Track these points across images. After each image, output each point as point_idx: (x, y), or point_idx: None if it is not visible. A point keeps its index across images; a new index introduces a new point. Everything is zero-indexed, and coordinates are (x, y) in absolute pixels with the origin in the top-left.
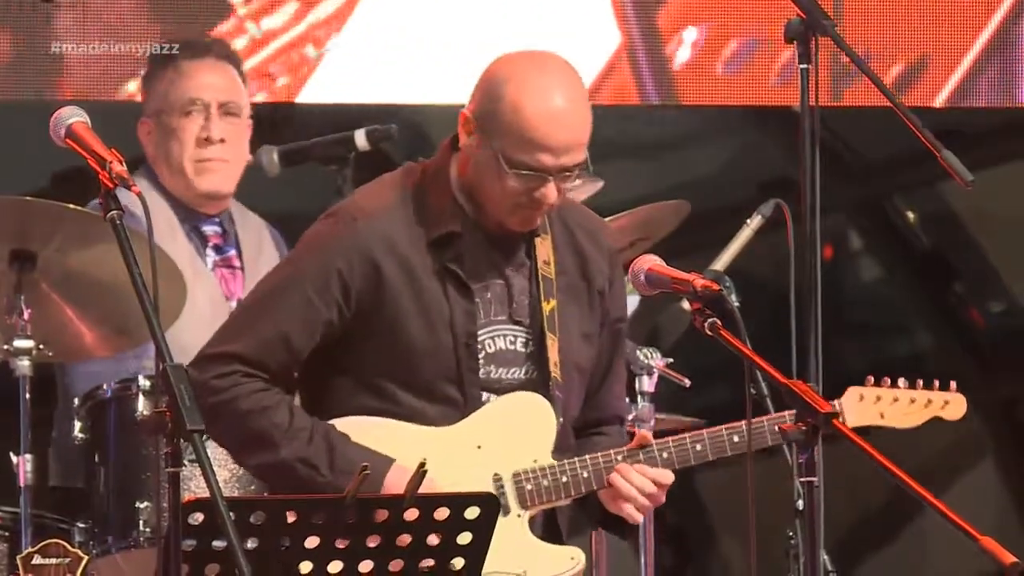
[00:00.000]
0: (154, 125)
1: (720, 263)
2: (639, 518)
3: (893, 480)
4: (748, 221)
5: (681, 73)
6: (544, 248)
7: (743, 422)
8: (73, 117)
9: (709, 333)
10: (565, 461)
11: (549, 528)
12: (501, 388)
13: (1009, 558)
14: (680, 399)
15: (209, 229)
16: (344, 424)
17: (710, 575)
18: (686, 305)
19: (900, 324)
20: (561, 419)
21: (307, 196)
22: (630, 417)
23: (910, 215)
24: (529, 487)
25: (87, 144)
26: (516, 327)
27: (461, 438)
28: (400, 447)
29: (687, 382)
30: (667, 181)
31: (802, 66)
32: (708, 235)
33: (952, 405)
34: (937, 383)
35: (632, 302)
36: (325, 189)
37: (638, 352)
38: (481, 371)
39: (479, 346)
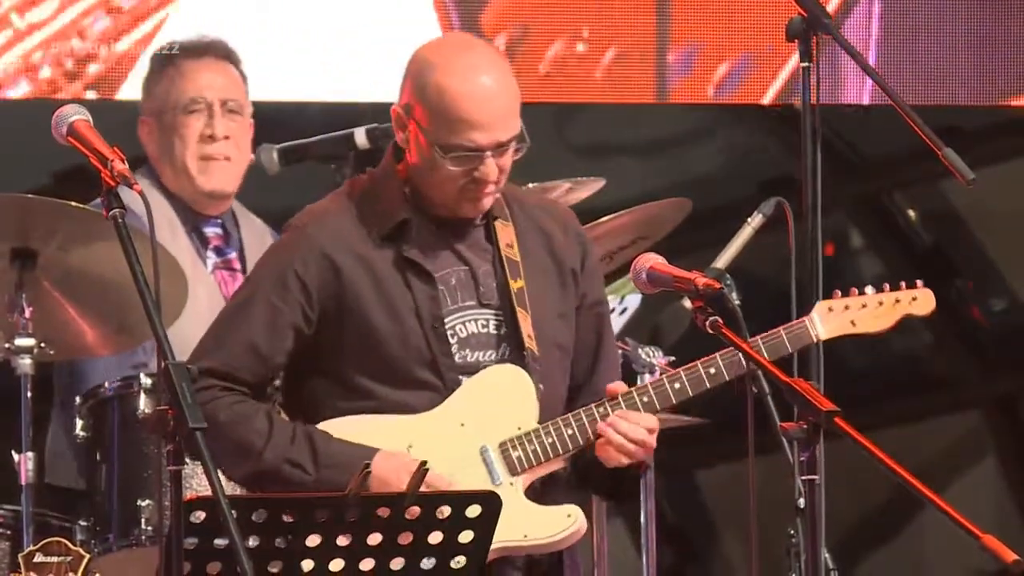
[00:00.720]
0: (155, 124)
1: (721, 261)
2: (626, 461)
3: (895, 478)
4: (749, 219)
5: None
6: (506, 232)
7: (716, 354)
8: (75, 115)
9: (710, 331)
10: (548, 423)
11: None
12: (479, 372)
13: (1011, 556)
14: None
15: (210, 231)
16: (326, 427)
17: (712, 574)
18: (687, 303)
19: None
20: (541, 386)
21: (306, 194)
22: None
23: (911, 213)
24: (516, 453)
25: (89, 142)
26: (485, 310)
27: (443, 420)
28: (385, 438)
29: None
30: (668, 179)
31: (803, 64)
32: (709, 233)
33: (921, 300)
34: (904, 284)
35: (633, 301)
36: (325, 187)
37: (639, 351)
38: (456, 356)
39: (450, 331)
